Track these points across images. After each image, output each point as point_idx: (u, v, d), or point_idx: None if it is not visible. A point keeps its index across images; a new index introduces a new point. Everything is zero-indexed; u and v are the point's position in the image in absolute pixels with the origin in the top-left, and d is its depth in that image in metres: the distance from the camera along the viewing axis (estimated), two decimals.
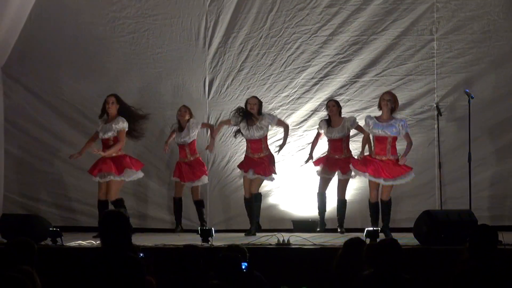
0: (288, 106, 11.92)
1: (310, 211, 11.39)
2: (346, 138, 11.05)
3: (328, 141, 11.11)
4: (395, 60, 11.76)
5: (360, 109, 11.73)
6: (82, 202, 12.11)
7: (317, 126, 11.22)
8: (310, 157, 11.11)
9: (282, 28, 11.98)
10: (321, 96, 11.82)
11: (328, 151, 11.14)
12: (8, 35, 12.09)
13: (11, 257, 5.99)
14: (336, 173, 11.00)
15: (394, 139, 10.43)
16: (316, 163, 11.13)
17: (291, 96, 11.91)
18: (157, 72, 12.27)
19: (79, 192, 12.15)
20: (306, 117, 11.89)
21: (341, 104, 11.57)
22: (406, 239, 9.68)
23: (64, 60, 12.41)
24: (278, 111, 11.85)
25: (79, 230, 11.16)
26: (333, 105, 11.05)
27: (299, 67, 11.95)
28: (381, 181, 10.41)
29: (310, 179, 11.33)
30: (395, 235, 10.11)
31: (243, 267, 6.12)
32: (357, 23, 11.82)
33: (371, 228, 9.38)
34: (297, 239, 9.78)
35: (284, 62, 11.98)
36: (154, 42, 12.26)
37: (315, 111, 11.81)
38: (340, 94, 11.82)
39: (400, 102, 11.42)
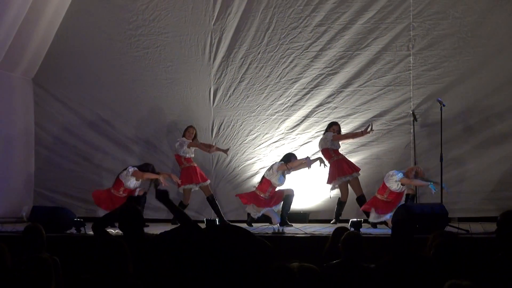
0: (283, 112, 11.92)
1: (301, 204, 11.37)
2: None
3: None
4: (376, 73, 11.75)
5: (345, 115, 11.74)
6: None
7: None
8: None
9: (278, 44, 11.98)
10: (312, 104, 11.82)
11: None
12: (38, 51, 12.13)
13: (25, 241, 6.00)
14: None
15: None
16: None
17: (285, 104, 11.91)
18: (168, 83, 12.27)
19: (99, 187, 12.11)
20: (298, 122, 11.89)
21: (328, 111, 11.69)
22: (386, 229, 9.71)
23: (87, 72, 12.41)
24: (274, 117, 11.89)
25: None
26: None
27: (292, 79, 11.94)
28: None
29: (301, 178, 11.29)
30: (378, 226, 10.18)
31: None
32: (343, 40, 11.82)
33: (355, 219, 9.41)
34: (290, 228, 9.79)
35: (280, 74, 11.98)
36: (165, 57, 12.27)
37: (306, 117, 11.82)
38: (328, 102, 11.82)
39: (380, 110, 11.59)
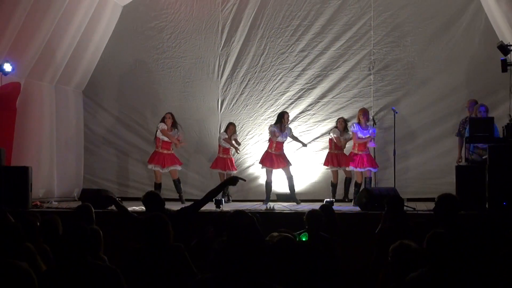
0: (274, 117, 11.84)
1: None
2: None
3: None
4: (345, 88, 11.75)
5: (321, 120, 11.76)
6: (134, 181, 12.12)
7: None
8: None
9: (270, 66, 11.97)
10: (296, 111, 11.80)
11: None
12: (87, 70, 12.12)
13: (77, 216, 5.97)
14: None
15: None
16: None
17: (276, 111, 11.84)
18: (186, 95, 12.24)
19: (133, 174, 12.15)
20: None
21: (308, 117, 11.66)
22: (352, 207, 9.72)
23: (124, 86, 12.39)
24: (267, 121, 11.85)
25: (132, 200, 11.15)
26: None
27: (281, 92, 11.93)
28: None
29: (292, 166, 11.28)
30: (346, 205, 10.17)
31: None
32: (320, 63, 11.81)
33: (329, 199, 9.42)
34: (280, 206, 9.78)
35: (271, 88, 11.96)
36: (184, 75, 12.24)
37: (291, 121, 11.76)
38: (308, 110, 11.83)
39: (348, 116, 11.49)
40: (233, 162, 11.35)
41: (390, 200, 5.94)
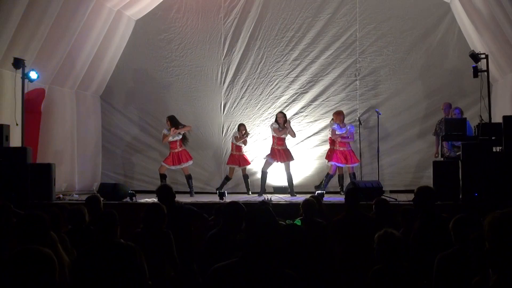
0: (270, 119, 11.83)
1: (285, 181, 11.35)
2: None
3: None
4: (334, 92, 11.74)
5: (313, 121, 11.74)
6: (147, 175, 12.08)
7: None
8: None
9: (267, 72, 11.96)
10: (290, 112, 11.75)
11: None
12: (104, 77, 12.13)
13: (88, 206, 5.96)
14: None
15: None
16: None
17: (272, 113, 11.83)
18: (192, 99, 12.22)
19: (145, 170, 12.12)
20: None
21: (301, 118, 11.65)
22: (340, 198, 9.69)
23: (138, 91, 12.37)
24: (264, 122, 11.86)
25: (145, 192, 11.13)
26: None
27: (277, 96, 11.92)
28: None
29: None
30: (336, 196, 10.15)
31: None
32: (312, 70, 11.80)
33: (320, 191, 9.40)
34: (276, 198, 9.75)
35: (268, 93, 11.95)
36: (190, 81, 12.22)
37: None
38: (302, 112, 11.81)
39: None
40: (246, 158, 11.24)
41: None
